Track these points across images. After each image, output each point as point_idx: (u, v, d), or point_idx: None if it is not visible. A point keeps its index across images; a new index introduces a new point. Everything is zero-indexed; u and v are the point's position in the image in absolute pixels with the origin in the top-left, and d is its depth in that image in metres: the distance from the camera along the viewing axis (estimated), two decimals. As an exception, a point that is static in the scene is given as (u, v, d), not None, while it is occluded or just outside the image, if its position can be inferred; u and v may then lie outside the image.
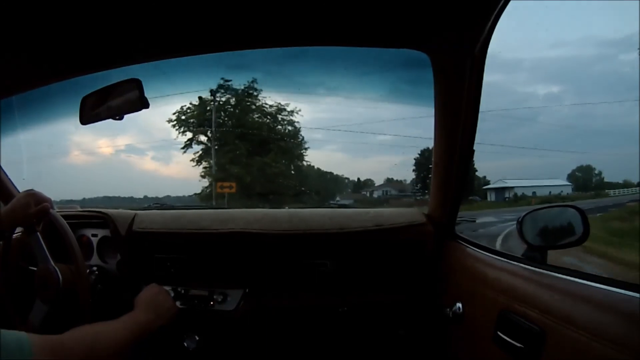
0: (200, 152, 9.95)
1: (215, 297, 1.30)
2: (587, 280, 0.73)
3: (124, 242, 1.34)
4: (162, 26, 0.88)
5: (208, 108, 9.53)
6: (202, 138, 9.97)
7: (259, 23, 0.89)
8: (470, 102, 0.94)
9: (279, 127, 10.12)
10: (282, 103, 9.54)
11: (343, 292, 1.32)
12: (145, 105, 0.97)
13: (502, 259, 0.99)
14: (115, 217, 1.36)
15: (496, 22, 0.78)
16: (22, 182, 1.62)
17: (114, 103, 1.02)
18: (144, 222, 1.36)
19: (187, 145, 9.97)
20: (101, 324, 0.93)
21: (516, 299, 0.84)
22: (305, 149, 10.55)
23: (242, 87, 9.33)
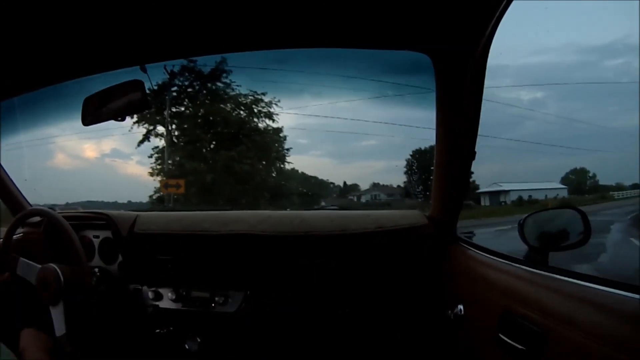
0: (160, 147, 8.53)
1: (216, 299, 1.30)
2: (588, 282, 0.72)
3: (126, 243, 1.34)
4: (161, 29, 0.88)
5: (165, 94, 8.07)
6: (161, 130, 8.54)
7: (259, 25, 0.89)
8: (471, 104, 0.95)
9: (254, 119, 8.72)
10: (259, 92, 8.19)
11: (344, 294, 1.32)
12: (147, 106, 0.98)
13: (504, 260, 0.99)
14: (117, 219, 1.36)
15: (498, 23, 0.78)
16: (23, 182, 1.63)
17: (115, 104, 1.02)
18: (145, 223, 1.36)
19: (144, 139, 8.48)
20: None
21: (517, 301, 0.84)
22: (287, 149, 9.32)
23: (210, 70, 7.88)
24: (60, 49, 0.96)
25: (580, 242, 0.90)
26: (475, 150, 1.05)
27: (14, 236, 1.32)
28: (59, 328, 1.14)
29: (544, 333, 0.73)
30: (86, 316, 1.13)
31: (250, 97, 8.27)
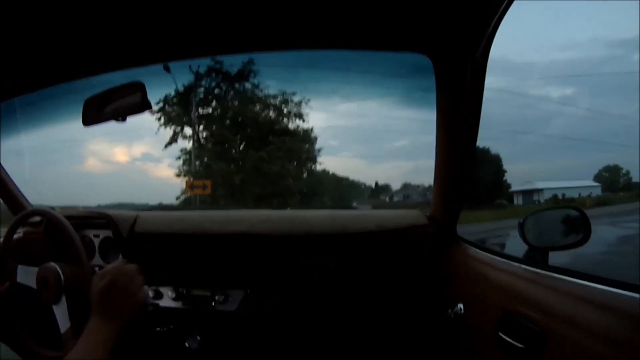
0: (188, 149, 8.40)
1: (216, 297, 1.30)
2: (588, 281, 0.73)
3: (126, 243, 1.34)
4: (167, 29, 0.88)
5: (192, 95, 8.08)
6: (189, 131, 8.37)
7: (259, 27, 0.89)
8: (471, 105, 0.95)
9: (284, 119, 8.49)
10: (288, 92, 8.03)
11: (344, 293, 1.32)
12: (148, 107, 0.98)
13: (504, 260, 1.00)
14: (117, 218, 1.36)
15: (498, 25, 0.78)
16: (24, 182, 1.63)
17: (116, 105, 1.02)
18: (146, 223, 1.37)
19: (171, 142, 8.42)
20: (72, 353, 0.83)
21: (517, 300, 0.85)
22: (318, 150, 9.12)
23: (237, 70, 7.77)
24: (65, 49, 0.95)
25: (580, 242, 0.90)
26: (475, 151, 1.06)
27: (14, 236, 1.32)
28: (63, 324, 1.14)
29: (544, 332, 0.74)
30: (87, 315, 1.13)
31: (279, 97, 8.18)
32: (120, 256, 1.37)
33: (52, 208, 1.36)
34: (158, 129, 8.25)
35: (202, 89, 8.08)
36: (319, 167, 9.38)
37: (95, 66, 1.05)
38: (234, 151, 8.22)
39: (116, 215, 1.38)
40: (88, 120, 1.07)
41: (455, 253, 1.20)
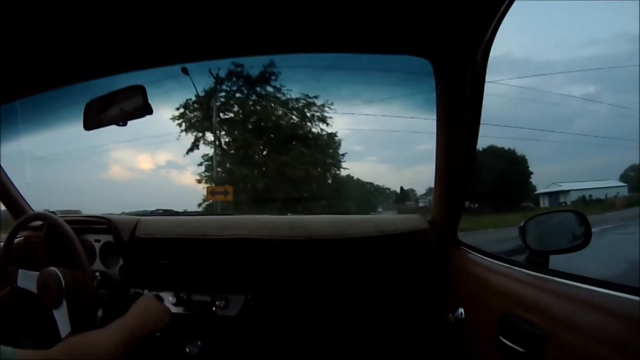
0: (210, 154, 8.13)
1: (217, 302, 1.30)
2: (588, 284, 0.73)
3: (127, 247, 1.35)
4: (170, 32, 0.88)
5: (212, 99, 7.79)
6: (210, 137, 8.14)
7: (260, 30, 0.89)
8: (471, 109, 0.95)
9: (307, 123, 8.14)
10: (311, 95, 7.72)
11: (345, 297, 1.32)
12: (149, 111, 0.98)
13: (504, 264, 0.99)
14: (118, 223, 1.36)
15: (497, 27, 0.79)
16: (25, 186, 1.64)
17: (117, 109, 1.03)
18: (146, 228, 1.37)
19: (193, 148, 8.16)
20: (90, 333, 0.91)
21: (518, 304, 0.84)
22: (342, 154, 8.89)
23: (258, 73, 7.56)
24: (66, 52, 0.96)
25: (580, 245, 0.90)
26: (476, 154, 1.06)
27: (15, 240, 1.33)
28: (64, 328, 1.14)
29: (544, 336, 0.74)
30: (90, 318, 1.14)
31: (302, 100, 7.95)
32: (121, 260, 1.37)
33: (53, 212, 1.36)
34: (179, 135, 8.10)
35: (223, 94, 7.93)
36: (343, 172, 9.26)
37: (107, 68, 1.05)
38: (257, 156, 8.04)
39: (117, 220, 1.38)
40: (89, 124, 1.08)
41: (455, 257, 1.19)
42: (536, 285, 0.84)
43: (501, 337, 0.85)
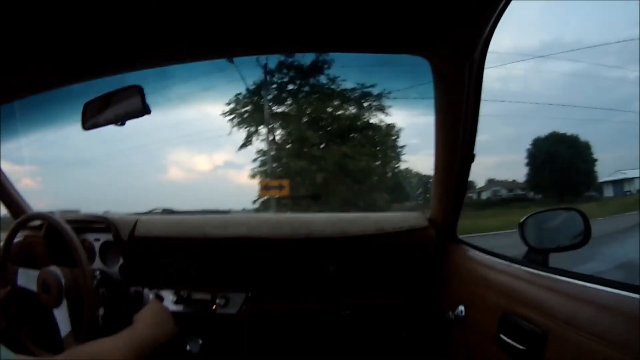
0: (264, 149, 7.72)
1: (217, 301, 1.30)
2: (589, 282, 0.73)
3: (126, 246, 1.35)
4: (172, 30, 0.87)
5: (263, 94, 7.39)
6: (263, 131, 7.72)
7: (260, 29, 0.89)
8: (470, 107, 0.95)
9: (365, 113, 7.67)
10: (367, 84, 7.18)
11: (345, 296, 1.32)
12: (147, 111, 0.98)
13: (504, 261, 1.00)
14: (118, 222, 1.36)
15: (495, 25, 0.78)
16: (24, 187, 1.63)
17: (115, 110, 1.03)
18: (146, 227, 1.37)
19: (246, 143, 7.77)
20: (97, 342, 0.87)
21: (518, 302, 0.85)
22: (401, 146, 8.39)
23: (310, 63, 7.13)
24: (66, 52, 0.95)
25: (580, 243, 0.90)
26: (475, 152, 1.06)
27: (15, 239, 1.33)
28: (64, 328, 1.14)
29: (545, 333, 0.74)
30: (89, 318, 1.14)
31: (358, 90, 7.44)
32: (121, 259, 1.37)
33: (52, 212, 1.36)
34: (230, 131, 7.78)
35: (274, 86, 7.53)
36: (402, 165, 8.81)
37: (93, 69, 1.05)
38: (314, 149, 7.57)
39: (116, 219, 1.38)
40: (87, 125, 1.08)
41: (455, 255, 1.20)
42: (536, 282, 0.84)
43: (501, 335, 0.86)
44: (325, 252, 1.30)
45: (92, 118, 1.06)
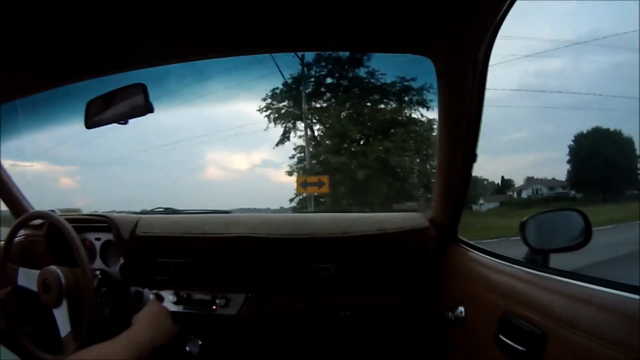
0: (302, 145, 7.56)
1: (217, 301, 1.30)
2: (589, 282, 0.73)
3: (127, 246, 1.35)
4: (172, 29, 0.88)
5: (301, 88, 7.15)
6: (301, 127, 7.53)
7: (262, 28, 0.89)
8: (473, 107, 0.95)
9: (405, 108, 7.38)
10: (407, 77, 6.94)
11: (345, 296, 1.32)
12: (150, 110, 0.98)
13: (504, 262, 1.00)
14: (119, 222, 1.36)
15: (499, 26, 0.79)
16: (25, 186, 1.64)
17: (118, 108, 1.03)
18: (147, 226, 1.37)
19: (283, 140, 7.61)
20: (99, 347, 0.86)
21: (518, 302, 0.85)
22: None
23: (347, 56, 6.91)
24: (67, 51, 0.95)
25: (581, 244, 0.90)
26: (477, 153, 1.06)
27: (16, 239, 1.33)
28: (64, 328, 1.14)
29: (544, 334, 0.74)
30: (90, 317, 1.14)
31: (398, 84, 7.19)
32: (122, 259, 1.37)
33: (53, 211, 1.36)
34: (267, 127, 7.57)
35: (312, 80, 7.31)
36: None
37: (94, 68, 1.05)
38: (354, 144, 7.35)
39: (117, 219, 1.38)
40: (90, 124, 1.08)
41: (456, 255, 1.20)
42: (536, 283, 0.84)
43: (501, 336, 0.86)
44: (325, 252, 1.30)
45: (95, 116, 1.06)
